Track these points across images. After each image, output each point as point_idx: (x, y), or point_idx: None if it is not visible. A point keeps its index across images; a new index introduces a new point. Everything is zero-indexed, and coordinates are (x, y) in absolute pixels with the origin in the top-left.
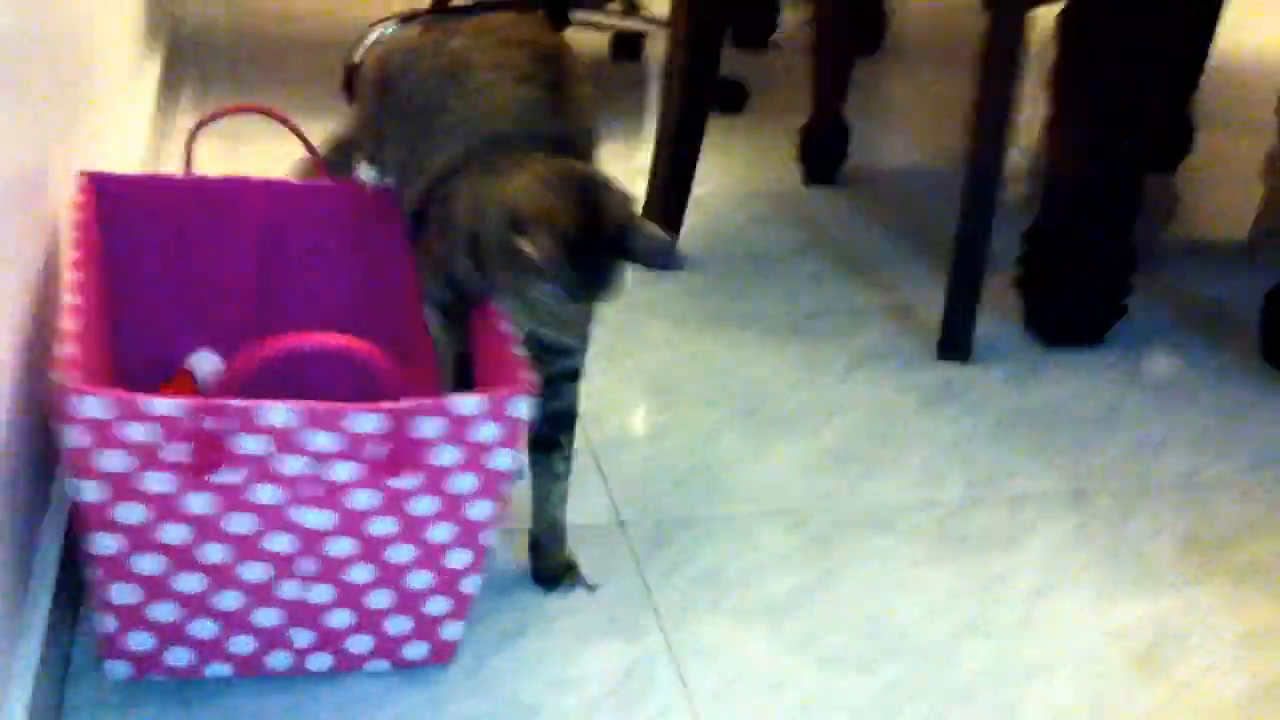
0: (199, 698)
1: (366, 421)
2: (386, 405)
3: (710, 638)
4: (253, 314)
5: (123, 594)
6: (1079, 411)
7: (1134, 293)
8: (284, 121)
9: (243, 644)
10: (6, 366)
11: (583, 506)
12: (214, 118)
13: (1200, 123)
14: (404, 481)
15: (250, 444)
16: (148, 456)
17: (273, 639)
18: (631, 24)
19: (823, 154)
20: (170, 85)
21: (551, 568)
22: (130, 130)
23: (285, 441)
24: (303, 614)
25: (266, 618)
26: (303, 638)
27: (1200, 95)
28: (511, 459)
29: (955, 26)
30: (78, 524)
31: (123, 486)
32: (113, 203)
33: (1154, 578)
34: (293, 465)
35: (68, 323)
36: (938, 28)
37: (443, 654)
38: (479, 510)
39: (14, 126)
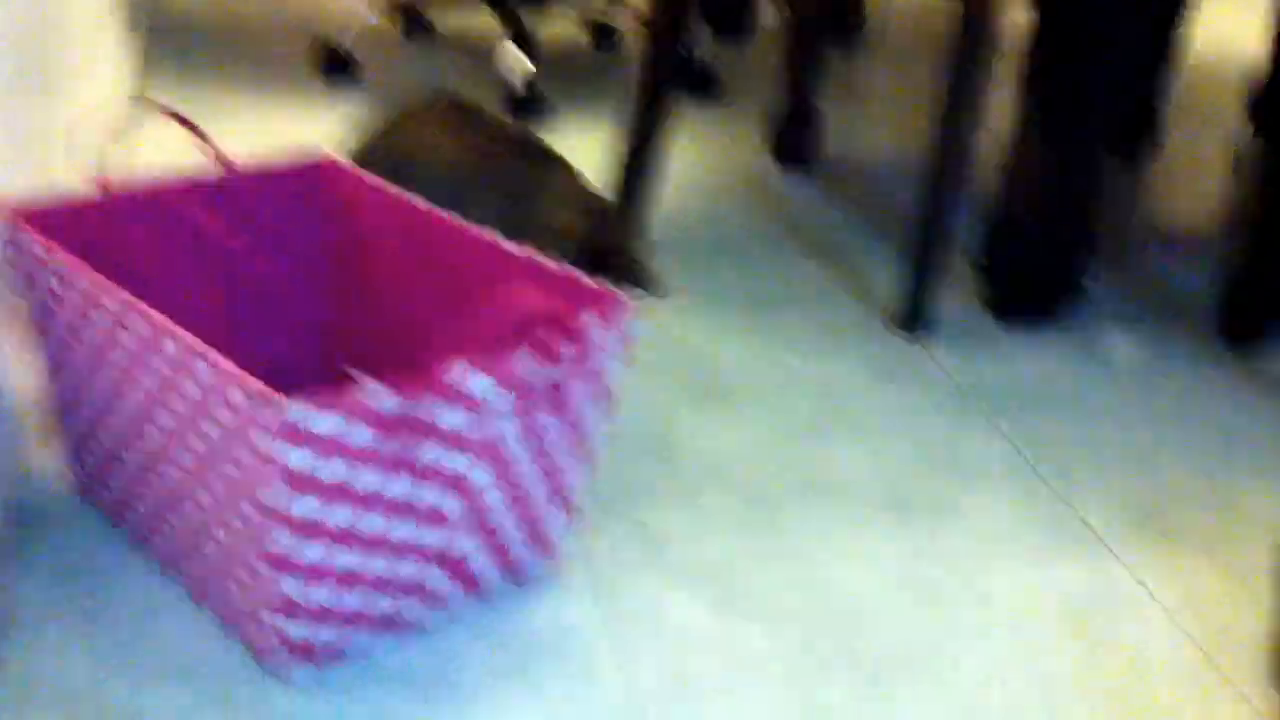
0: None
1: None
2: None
3: (644, 599)
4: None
5: (308, 592)
6: (1032, 387)
7: (1095, 278)
8: (190, 126)
9: (384, 604)
10: None
11: None
12: (125, 125)
13: (1173, 114)
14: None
15: (450, 418)
16: (363, 455)
17: (409, 590)
18: (610, 13)
19: (793, 140)
20: (149, 66)
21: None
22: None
23: (478, 407)
24: (443, 559)
25: (407, 570)
26: (437, 580)
27: (1175, 86)
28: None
29: (936, 21)
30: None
31: (338, 492)
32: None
33: (1096, 545)
34: (480, 428)
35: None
36: (919, 21)
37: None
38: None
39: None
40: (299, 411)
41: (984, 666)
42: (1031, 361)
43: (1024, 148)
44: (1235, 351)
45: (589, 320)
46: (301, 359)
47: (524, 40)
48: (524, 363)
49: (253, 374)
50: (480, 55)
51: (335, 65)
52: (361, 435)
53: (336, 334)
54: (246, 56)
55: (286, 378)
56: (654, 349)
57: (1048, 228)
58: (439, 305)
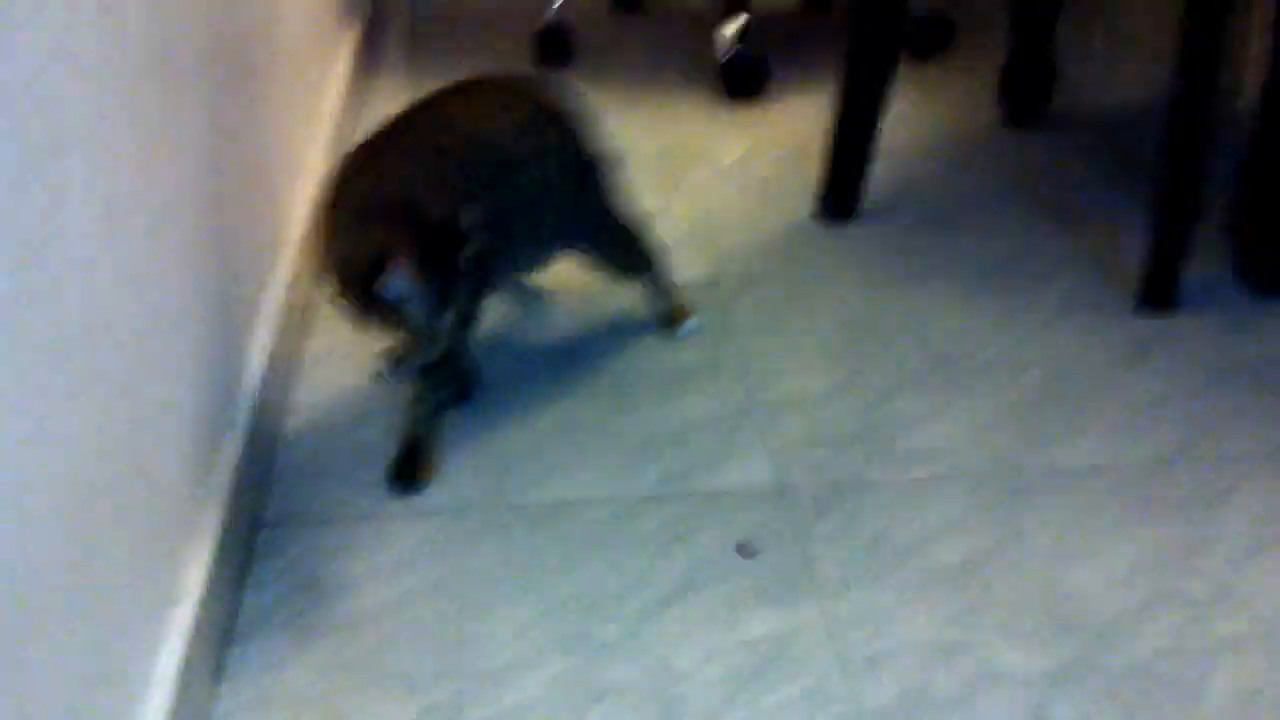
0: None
1: None
2: None
3: (871, 609)
4: None
5: None
6: None
7: None
8: None
9: None
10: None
11: (745, 470)
12: None
13: None
14: None
15: None
16: None
17: None
18: None
19: (1024, 94)
20: (369, 52)
21: (409, 472)
22: (319, 117)
23: None
24: None
25: None
26: None
27: None
28: None
29: None
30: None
31: None
32: None
33: None
34: None
35: None
36: None
37: None
38: None
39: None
40: None
41: (1236, 684)
42: None
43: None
44: None
45: None
46: None
47: (738, 4)
48: None
49: None
50: (690, 25)
51: (554, 50)
52: None
53: None
54: (464, 47)
55: None
56: (876, 333)
57: None
58: None
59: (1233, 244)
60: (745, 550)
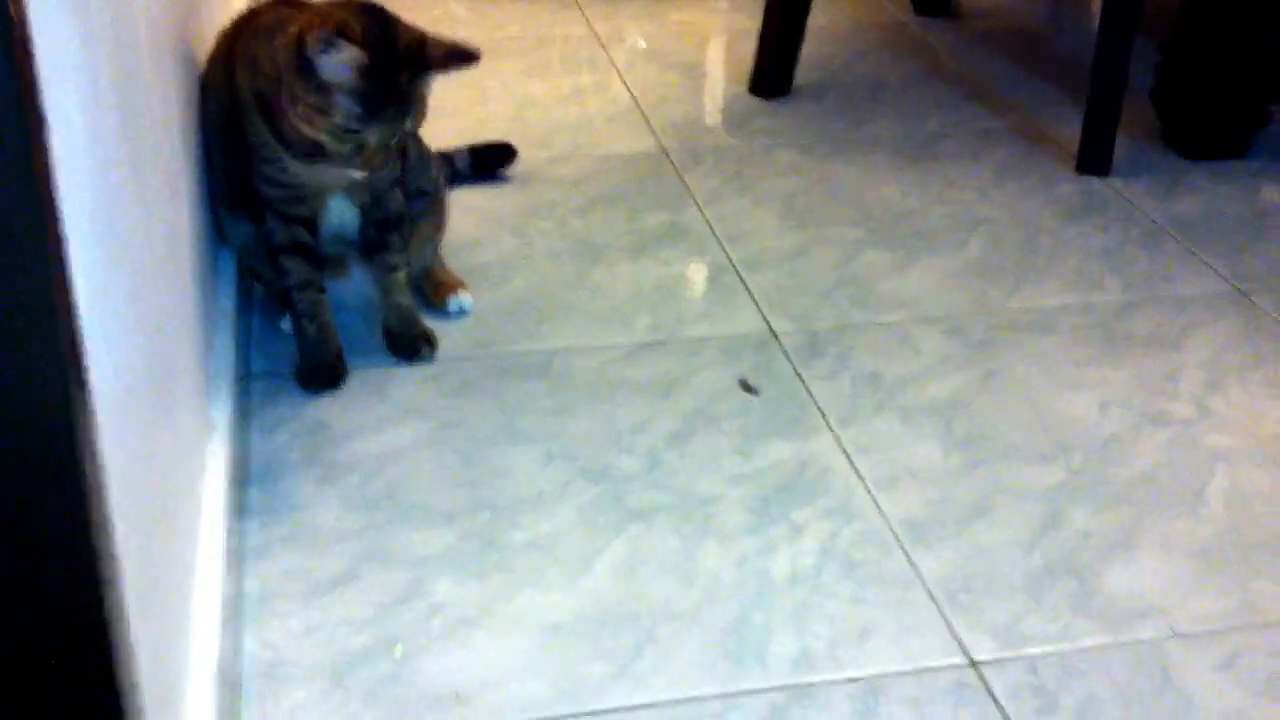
0: None
1: None
2: None
3: (880, 435)
4: None
5: None
6: (1230, 219)
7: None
8: None
9: None
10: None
11: (733, 319)
12: None
13: None
14: None
15: None
16: None
17: None
18: None
19: None
20: None
21: (409, 339)
22: None
23: None
24: None
25: None
26: None
27: None
28: None
29: None
30: None
31: None
32: None
33: None
34: None
35: None
36: None
37: None
38: None
39: None
40: None
41: (1232, 486)
42: (1224, 192)
43: None
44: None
45: None
46: None
47: None
48: None
49: None
50: None
51: None
52: None
53: None
54: None
55: None
56: (829, 197)
57: (1231, 56)
58: None
59: (1159, 113)
60: (748, 386)
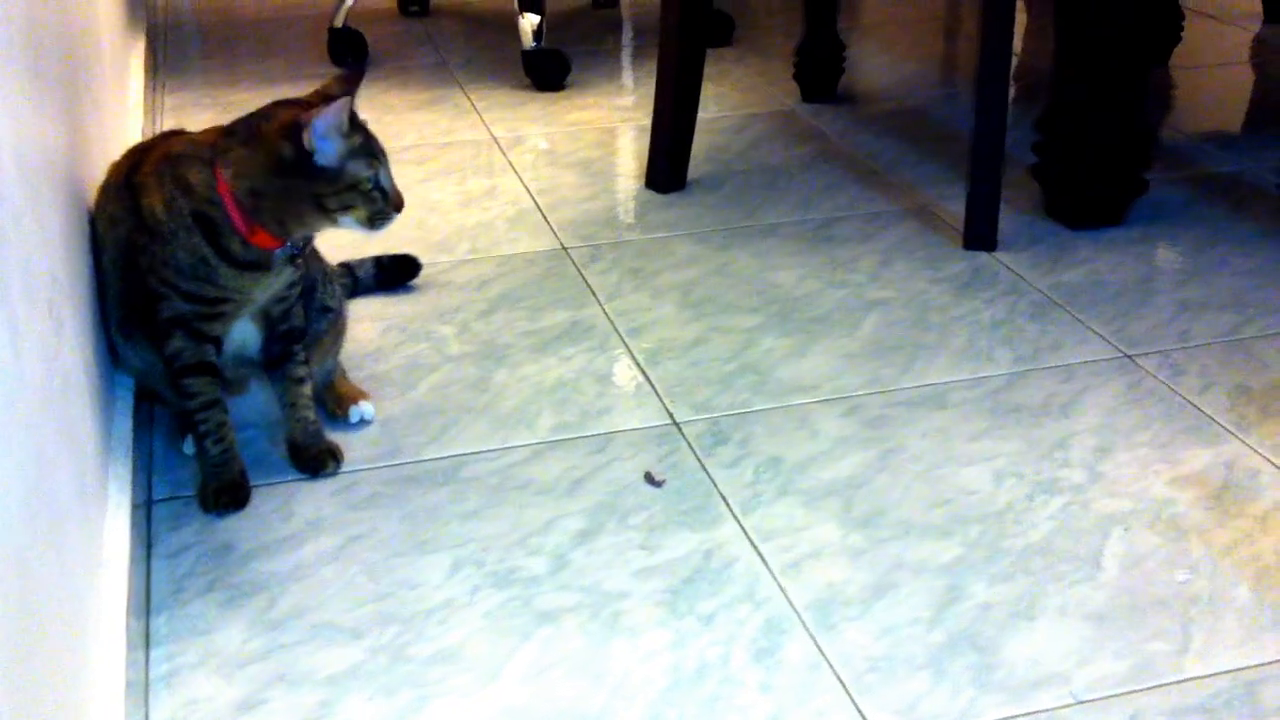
0: None
1: None
2: None
3: (782, 519)
4: None
5: None
6: (1113, 285)
7: (1149, 173)
8: None
9: None
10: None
11: (636, 412)
12: None
13: (1187, 12)
14: None
15: None
16: None
17: None
18: None
19: (819, 71)
20: (155, 64)
21: (314, 454)
22: (127, 112)
23: None
24: None
25: None
26: None
27: None
28: None
29: None
30: None
31: None
32: None
33: (1212, 427)
34: None
35: None
36: None
37: None
38: None
39: (36, 112)
40: None
41: (1128, 550)
42: (1107, 260)
43: (1075, 49)
44: None
45: None
46: None
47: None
48: None
49: None
50: (481, 23)
51: (344, 49)
52: None
53: None
54: (254, 50)
55: None
56: (726, 286)
57: (1107, 127)
58: None
59: (1041, 185)
60: (652, 479)
